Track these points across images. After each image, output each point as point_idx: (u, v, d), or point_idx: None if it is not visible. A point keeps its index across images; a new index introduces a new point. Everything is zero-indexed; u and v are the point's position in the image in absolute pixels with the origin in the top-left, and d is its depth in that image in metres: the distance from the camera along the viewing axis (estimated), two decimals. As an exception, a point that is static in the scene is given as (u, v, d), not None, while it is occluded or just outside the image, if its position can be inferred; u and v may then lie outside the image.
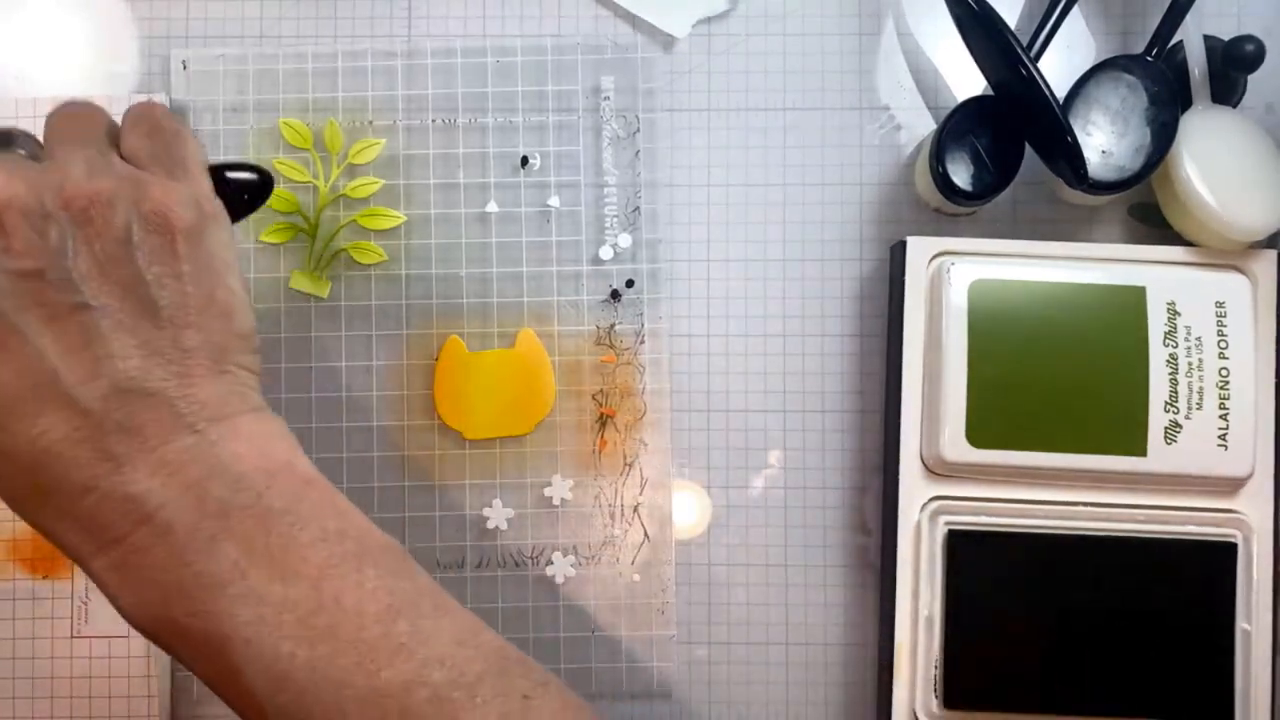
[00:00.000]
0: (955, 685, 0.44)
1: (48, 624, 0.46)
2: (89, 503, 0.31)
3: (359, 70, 0.48)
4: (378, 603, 0.32)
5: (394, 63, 0.48)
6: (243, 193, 0.38)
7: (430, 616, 0.32)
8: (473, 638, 0.33)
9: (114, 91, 0.48)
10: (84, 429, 0.31)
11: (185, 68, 0.48)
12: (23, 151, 0.36)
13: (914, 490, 0.45)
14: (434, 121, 0.48)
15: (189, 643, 0.31)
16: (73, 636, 0.46)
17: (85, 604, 0.46)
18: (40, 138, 0.35)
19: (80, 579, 0.46)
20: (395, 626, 0.31)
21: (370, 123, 0.48)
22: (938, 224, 0.48)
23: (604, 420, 0.47)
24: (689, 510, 0.48)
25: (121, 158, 0.34)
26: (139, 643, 0.46)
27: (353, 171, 0.48)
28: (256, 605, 0.31)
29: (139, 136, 0.35)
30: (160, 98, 0.47)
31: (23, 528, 0.46)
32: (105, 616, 0.46)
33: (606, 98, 0.48)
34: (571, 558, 0.47)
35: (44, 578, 0.46)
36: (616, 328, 0.48)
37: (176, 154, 0.35)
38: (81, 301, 0.31)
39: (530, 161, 0.48)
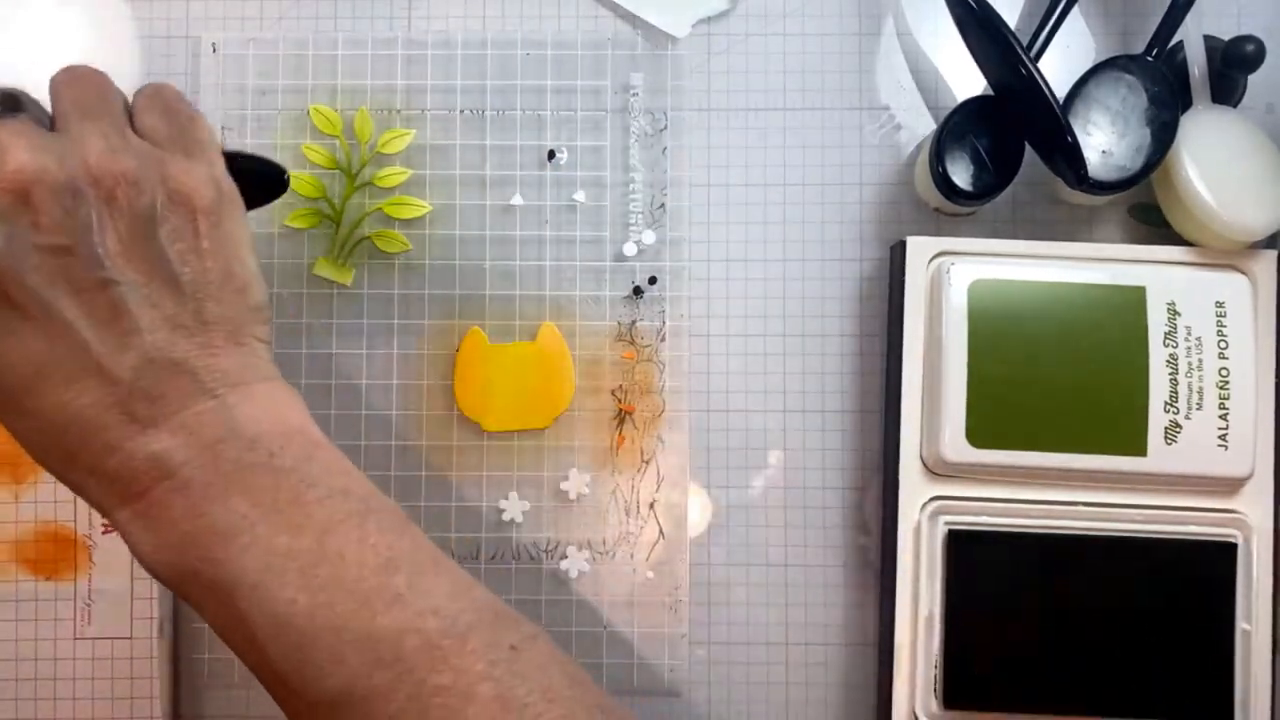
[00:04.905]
0: (955, 685, 0.44)
1: (50, 625, 0.46)
2: (114, 461, 0.33)
3: (388, 58, 0.48)
4: (377, 556, 0.33)
5: (424, 52, 0.48)
6: (254, 181, 0.38)
7: (428, 572, 0.34)
8: (466, 592, 0.34)
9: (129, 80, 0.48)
10: (113, 396, 0.33)
11: (215, 50, 0.48)
12: (29, 118, 0.36)
13: (914, 490, 0.45)
14: (461, 112, 0.48)
15: (200, 587, 0.33)
16: (75, 638, 0.46)
17: (88, 605, 0.46)
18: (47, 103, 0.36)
19: (84, 580, 0.46)
20: (393, 579, 0.33)
21: (398, 111, 0.47)
22: (938, 224, 0.48)
23: (622, 416, 0.47)
24: (691, 509, 0.48)
25: (136, 134, 0.36)
26: (141, 644, 0.46)
27: (380, 160, 0.48)
28: (263, 555, 0.32)
29: (154, 117, 0.36)
30: (179, 79, 0.47)
31: (26, 529, 0.46)
32: (108, 617, 0.46)
33: (635, 94, 0.48)
34: (586, 553, 0.47)
35: (47, 579, 0.46)
36: (638, 324, 0.48)
37: (191, 136, 0.36)
38: (109, 277, 0.32)
39: (557, 155, 0.48)
